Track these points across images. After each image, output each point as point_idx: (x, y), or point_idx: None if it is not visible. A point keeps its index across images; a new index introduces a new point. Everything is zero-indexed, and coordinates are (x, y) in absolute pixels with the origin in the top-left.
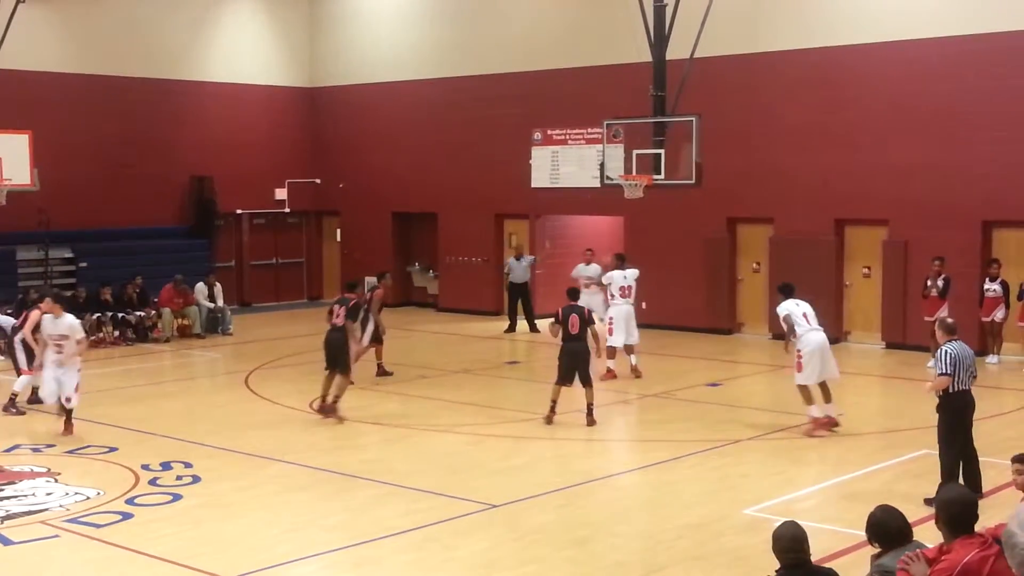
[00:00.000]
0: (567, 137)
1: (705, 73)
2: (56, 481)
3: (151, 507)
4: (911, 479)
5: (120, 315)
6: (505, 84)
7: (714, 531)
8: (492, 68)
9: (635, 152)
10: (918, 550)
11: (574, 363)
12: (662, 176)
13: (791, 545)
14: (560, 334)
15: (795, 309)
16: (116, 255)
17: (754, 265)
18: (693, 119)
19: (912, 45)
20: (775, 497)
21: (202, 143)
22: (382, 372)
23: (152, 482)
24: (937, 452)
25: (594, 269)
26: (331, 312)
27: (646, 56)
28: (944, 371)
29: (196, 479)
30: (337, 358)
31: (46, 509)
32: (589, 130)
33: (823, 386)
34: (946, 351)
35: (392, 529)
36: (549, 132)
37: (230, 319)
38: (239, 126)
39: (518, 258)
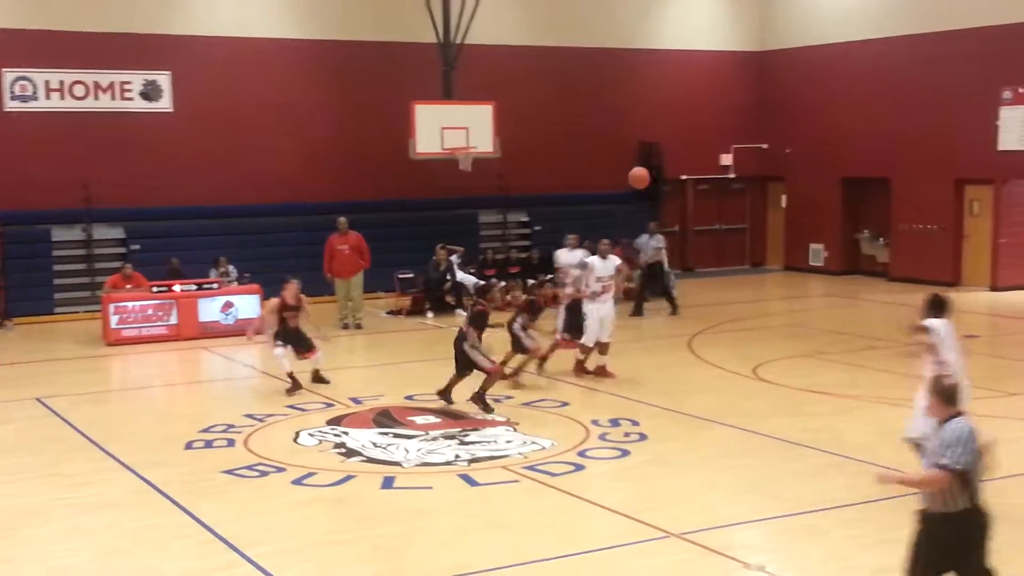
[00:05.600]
0: None
1: None
2: (515, 430)
3: (601, 460)
4: None
5: None
6: (968, 40)
7: None
8: (953, 23)
9: None
10: None
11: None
12: None
13: None
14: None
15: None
16: (567, 219)
17: None
18: None
19: None
20: None
21: (651, 110)
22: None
23: (602, 437)
24: None
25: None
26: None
27: None
28: (952, 464)
29: (643, 437)
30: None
31: (507, 455)
32: None
33: None
34: (971, 431)
35: (835, 501)
36: (1021, 90)
37: (674, 283)
38: (687, 92)
39: (651, 235)
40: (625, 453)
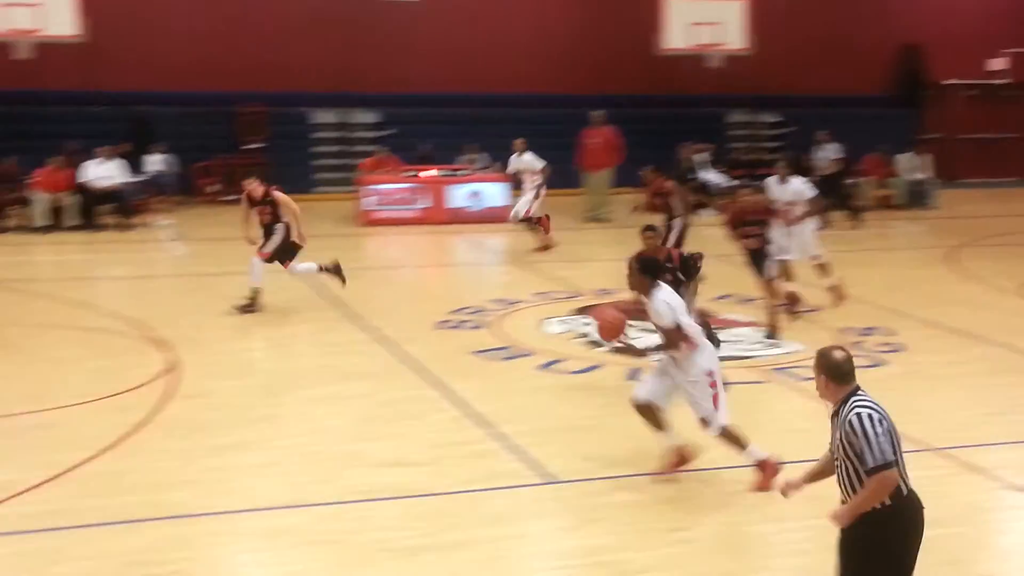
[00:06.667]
0: None
1: None
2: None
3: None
4: None
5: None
6: None
7: None
8: None
9: None
10: None
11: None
12: None
13: None
14: None
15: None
16: (820, 122)
17: None
18: None
19: None
20: None
21: (914, 9)
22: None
23: (855, 346)
24: None
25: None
26: None
27: None
28: (883, 459)
29: (899, 348)
30: None
31: (754, 356)
32: None
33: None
34: (870, 415)
35: None
36: None
37: (933, 193)
38: None
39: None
40: (878, 363)
